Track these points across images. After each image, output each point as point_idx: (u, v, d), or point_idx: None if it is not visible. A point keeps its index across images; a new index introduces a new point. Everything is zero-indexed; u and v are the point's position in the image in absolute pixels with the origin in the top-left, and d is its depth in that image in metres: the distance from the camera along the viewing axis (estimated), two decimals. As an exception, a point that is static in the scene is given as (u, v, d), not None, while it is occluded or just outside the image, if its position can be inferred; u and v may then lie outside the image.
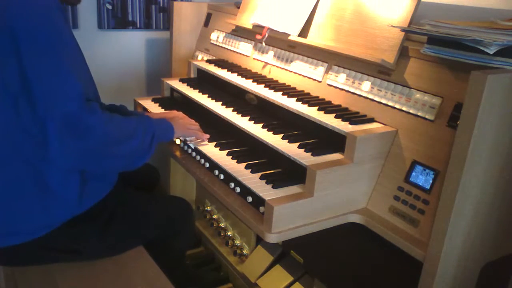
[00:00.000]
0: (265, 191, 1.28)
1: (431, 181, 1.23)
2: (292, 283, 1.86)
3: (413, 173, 1.27)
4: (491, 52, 1.09)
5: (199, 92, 1.89)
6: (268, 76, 1.85)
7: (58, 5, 1.23)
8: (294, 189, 1.30)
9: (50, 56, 1.18)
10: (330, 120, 1.39)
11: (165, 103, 2.01)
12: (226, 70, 1.94)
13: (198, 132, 1.62)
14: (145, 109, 1.96)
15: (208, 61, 2.10)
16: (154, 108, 1.95)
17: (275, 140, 1.44)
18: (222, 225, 2.25)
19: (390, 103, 1.38)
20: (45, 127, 1.18)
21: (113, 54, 2.46)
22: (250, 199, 1.32)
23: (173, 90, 2.05)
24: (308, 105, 1.51)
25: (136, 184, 1.76)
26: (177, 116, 1.65)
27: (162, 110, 1.92)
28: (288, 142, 1.42)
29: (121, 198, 1.51)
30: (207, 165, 1.54)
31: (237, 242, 2.14)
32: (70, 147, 1.21)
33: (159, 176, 2.02)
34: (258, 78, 1.78)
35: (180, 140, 1.70)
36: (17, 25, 1.14)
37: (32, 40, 1.15)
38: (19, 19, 1.15)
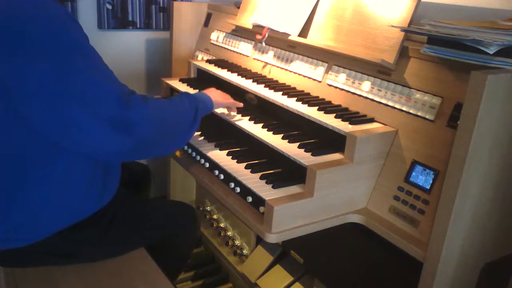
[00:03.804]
0: (265, 191, 1.28)
1: (431, 181, 1.23)
2: (292, 283, 1.86)
3: (413, 173, 1.27)
4: (491, 52, 1.09)
5: (199, 92, 1.88)
6: (268, 76, 1.85)
7: (65, 11, 1.22)
8: (294, 189, 1.30)
9: (76, 66, 1.14)
10: (330, 120, 1.39)
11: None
12: (226, 70, 1.94)
13: (236, 102, 1.65)
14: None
15: (208, 61, 2.10)
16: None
17: (275, 140, 1.44)
18: (222, 225, 2.25)
19: (390, 103, 1.38)
20: (92, 131, 1.16)
21: (113, 54, 2.46)
22: (250, 199, 1.32)
23: (173, 90, 2.05)
24: (308, 105, 1.51)
25: (128, 184, 1.73)
26: (211, 89, 1.66)
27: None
28: (288, 142, 1.42)
29: (123, 203, 1.50)
30: (207, 165, 1.54)
31: (237, 242, 2.14)
32: (125, 144, 1.21)
33: (151, 175, 1.98)
34: (258, 78, 1.78)
35: None
36: (35, 37, 1.11)
37: (54, 53, 1.12)
38: (35, 30, 1.11)
